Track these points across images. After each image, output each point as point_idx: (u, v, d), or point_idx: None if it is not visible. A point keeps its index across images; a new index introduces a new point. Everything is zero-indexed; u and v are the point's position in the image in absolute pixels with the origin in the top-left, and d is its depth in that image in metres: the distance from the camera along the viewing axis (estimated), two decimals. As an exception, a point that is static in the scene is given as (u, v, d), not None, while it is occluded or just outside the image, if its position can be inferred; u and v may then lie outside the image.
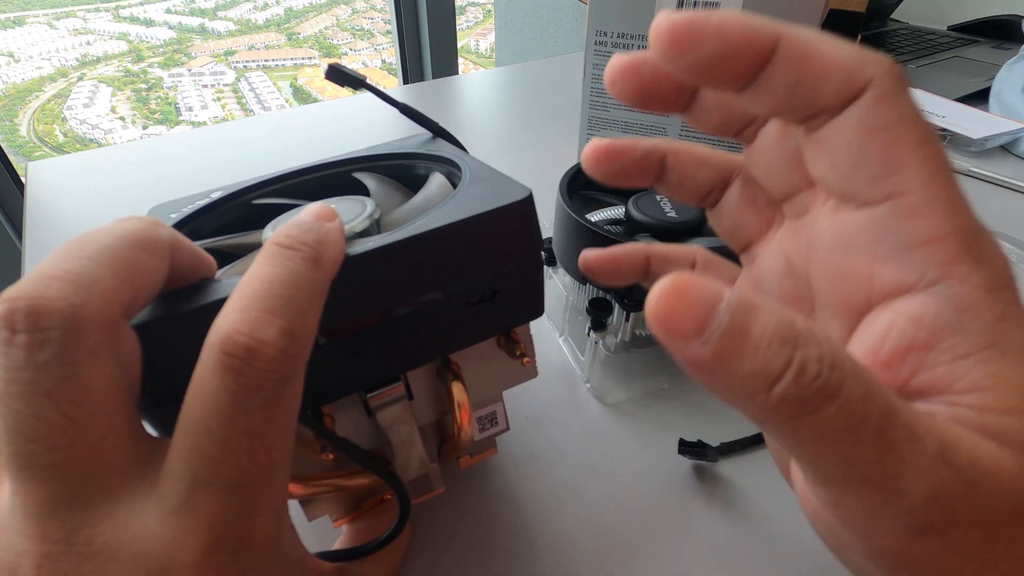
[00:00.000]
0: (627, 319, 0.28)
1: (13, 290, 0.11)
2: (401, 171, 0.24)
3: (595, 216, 0.32)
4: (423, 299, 0.17)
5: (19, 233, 0.89)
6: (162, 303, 0.14)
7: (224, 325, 0.12)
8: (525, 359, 0.20)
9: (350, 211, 0.19)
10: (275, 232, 0.15)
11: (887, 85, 0.12)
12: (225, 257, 0.20)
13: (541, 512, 0.24)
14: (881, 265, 0.13)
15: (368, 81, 0.25)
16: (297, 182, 0.25)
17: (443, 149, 0.24)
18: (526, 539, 0.23)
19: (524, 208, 0.17)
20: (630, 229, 0.29)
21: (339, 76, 0.24)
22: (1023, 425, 0.11)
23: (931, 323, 0.12)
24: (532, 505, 0.24)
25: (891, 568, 0.12)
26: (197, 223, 0.22)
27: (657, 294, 0.11)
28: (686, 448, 0.25)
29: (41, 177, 0.50)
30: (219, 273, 0.18)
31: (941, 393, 0.12)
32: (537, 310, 0.19)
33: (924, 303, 0.12)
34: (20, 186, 0.90)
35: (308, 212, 0.15)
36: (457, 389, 0.19)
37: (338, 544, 0.21)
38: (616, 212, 0.32)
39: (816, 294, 0.15)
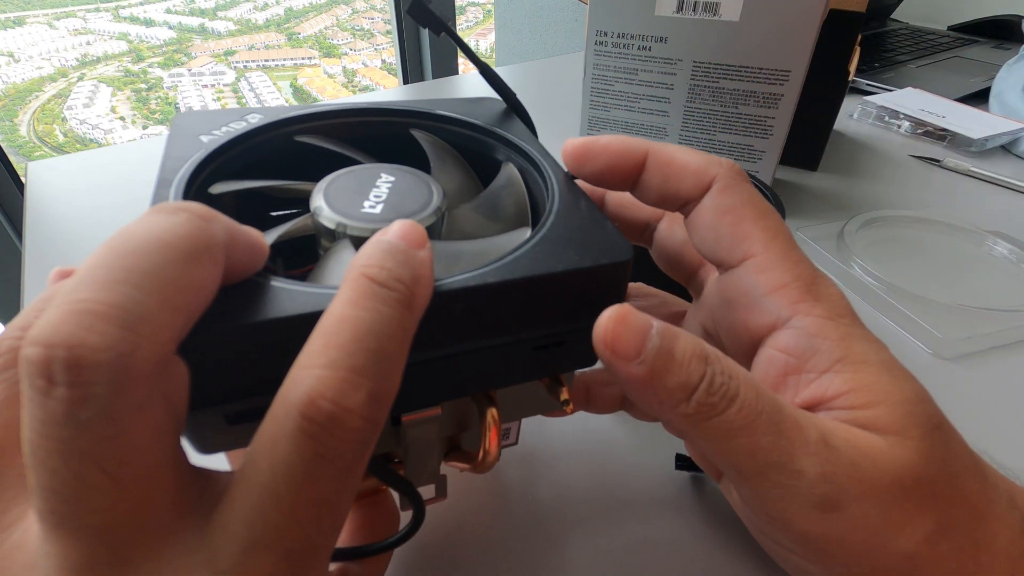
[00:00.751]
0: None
1: (48, 330, 0.09)
2: (466, 143, 0.21)
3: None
4: (492, 341, 0.15)
5: (19, 233, 0.89)
6: (214, 306, 0.12)
7: (308, 383, 0.11)
8: (569, 407, 0.18)
9: (414, 197, 0.17)
10: (364, 257, 0.13)
11: (727, 179, 0.17)
12: (262, 198, 0.18)
13: (540, 512, 0.24)
14: (750, 312, 0.16)
15: (450, 26, 0.22)
16: (345, 123, 0.21)
17: (521, 134, 0.21)
18: (524, 539, 0.23)
19: (623, 269, 0.15)
20: (630, 229, 0.29)
21: (423, 15, 0.21)
22: (882, 414, 0.14)
23: (794, 350, 0.15)
24: (530, 505, 0.24)
25: (814, 553, 0.15)
26: (232, 154, 0.19)
27: (603, 322, 0.14)
28: (683, 463, 0.25)
29: (41, 177, 0.50)
30: (267, 234, 0.16)
31: (819, 404, 0.15)
32: (591, 360, 0.17)
33: (786, 336, 0.15)
34: (20, 186, 0.90)
35: (399, 235, 0.13)
36: (491, 414, 0.18)
37: None
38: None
39: (723, 341, 0.18)
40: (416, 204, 0.17)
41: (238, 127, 0.19)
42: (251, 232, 0.13)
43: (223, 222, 0.12)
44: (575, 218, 0.16)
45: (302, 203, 0.18)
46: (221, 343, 0.12)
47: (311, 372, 0.11)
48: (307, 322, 0.12)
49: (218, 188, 0.18)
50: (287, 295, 0.13)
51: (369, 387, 0.11)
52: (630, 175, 0.18)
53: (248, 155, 0.19)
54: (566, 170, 0.19)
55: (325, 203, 0.16)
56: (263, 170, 0.19)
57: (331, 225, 0.16)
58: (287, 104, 0.23)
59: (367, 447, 0.12)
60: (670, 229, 0.21)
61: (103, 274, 0.10)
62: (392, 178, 0.18)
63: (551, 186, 0.18)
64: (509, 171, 0.20)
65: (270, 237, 0.16)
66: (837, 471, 0.13)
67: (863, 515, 0.13)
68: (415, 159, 0.20)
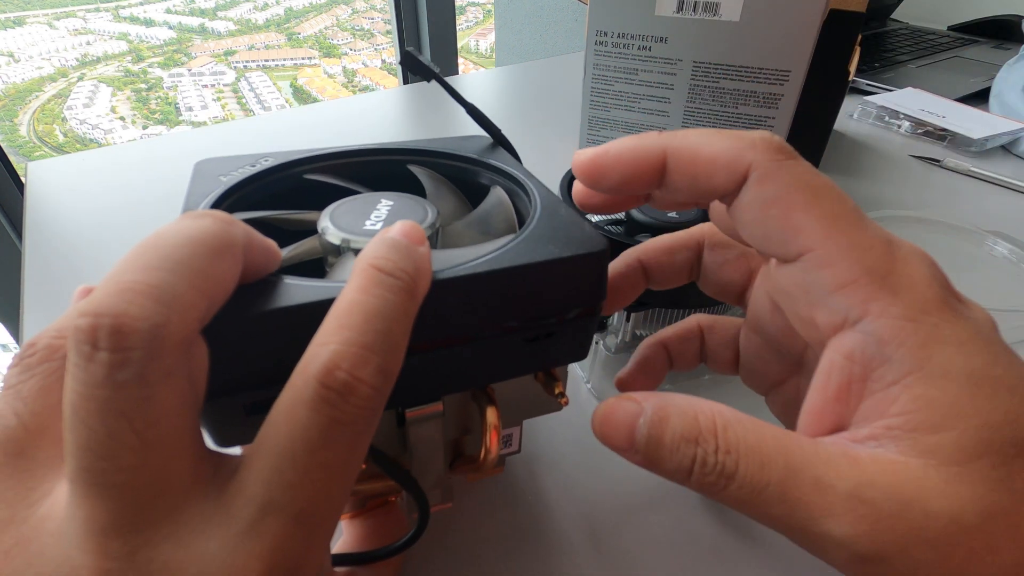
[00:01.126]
0: (627, 319, 0.28)
1: (97, 303, 0.11)
2: (458, 174, 0.24)
3: (595, 216, 0.32)
4: (485, 331, 0.17)
5: (19, 233, 0.89)
6: (233, 300, 0.14)
7: (324, 356, 0.12)
8: (563, 399, 0.19)
9: (411, 215, 0.19)
10: (371, 251, 0.14)
11: (766, 166, 0.14)
12: (273, 229, 0.19)
13: (541, 512, 0.24)
14: (816, 310, 0.14)
15: (439, 73, 0.24)
16: (350, 163, 0.24)
17: (507, 161, 0.23)
18: (527, 539, 0.23)
19: (601, 260, 0.17)
20: (631, 229, 0.29)
21: (414, 64, 0.23)
22: (949, 441, 0.12)
23: (860, 358, 0.13)
24: (533, 505, 0.24)
25: None
26: (247, 190, 0.21)
27: (595, 418, 0.15)
28: None
29: (41, 177, 0.50)
30: (284, 253, 0.18)
31: (881, 417, 0.13)
32: (583, 353, 0.19)
33: (853, 340, 0.13)
34: (20, 186, 0.90)
35: (402, 233, 0.15)
36: (492, 414, 0.19)
37: (340, 544, 0.21)
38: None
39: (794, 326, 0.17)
40: (413, 219, 0.19)
41: (253, 169, 0.22)
42: (266, 238, 0.15)
43: (242, 227, 0.14)
44: (556, 220, 0.18)
45: (311, 235, 0.19)
46: (240, 330, 0.14)
47: (328, 347, 0.12)
48: (317, 310, 0.13)
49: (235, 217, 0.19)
50: (298, 288, 0.14)
51: (378, 362, 0.12)
52: (651, 181, 0.16)
53: (262, 191, 0.22)
54: (573, 178, 0.20)
55: (331, 223, 0.18)
56: (276, 205, 0.21)
57: (336, 241, 0.18)
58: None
59: (375, 416, 0.13)
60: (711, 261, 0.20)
61: (143, 262, 0.12)
62: (391, 202, 0.20)
63: (534, 200, 0.19)
64: (497, 192, 0.22)
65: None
66: (874, 529, 0.12)
67: (913, 561, 0.12)
68: (413, 191, 0.22)
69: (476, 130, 0.25)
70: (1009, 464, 0.12)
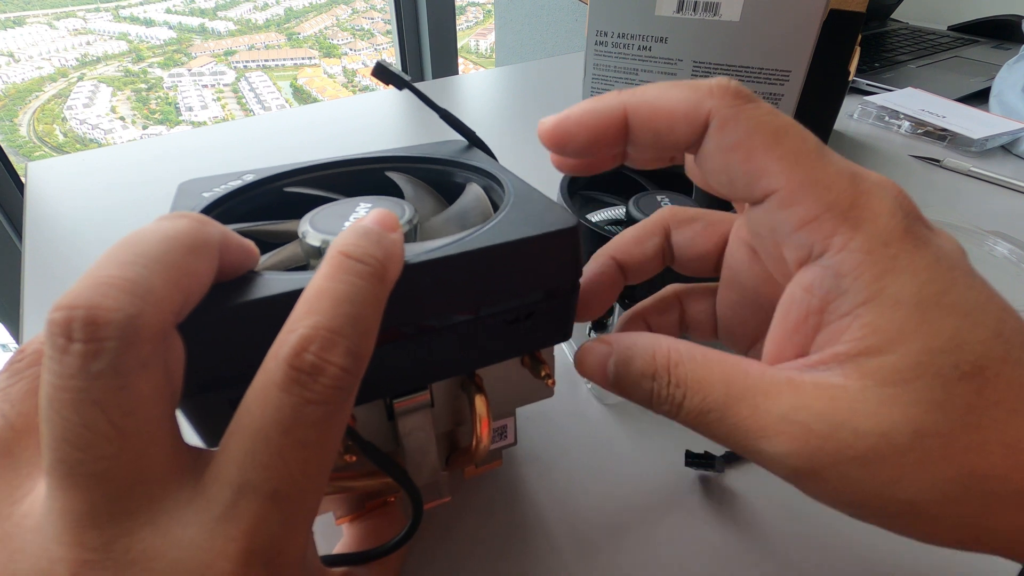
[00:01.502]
0: (627, 319, 0.28)
1: (71, 297, 0.11)
2: (436, 176, 0.24)
3: (595, 216, 0.32)
4: (464, 314, 0.17)
5: (19, 233, 0.89)
6: (211, 295, 0.14)
7: (293, 339, 0.12)
8: (549, 380, 0.20)
9: None
10: (342, 239, 0.14)
11: (724, 112, 0.14)
12: (258, 243, 0.20)
13: (541, 512, 0.24)
14: (783, 248, 0.15)
15: (411, 82, 0.25)
16: (329, 174, 0.24)
17: (481, 160, 0.24)
18: (526, 539, 0.23)
19: (572, 236, 0.17)
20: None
21: (385, 75, 0.24)
22: (889, 363, 0.13)
23: (818, 290, 0.14)
24: (532, 505, 0.24)
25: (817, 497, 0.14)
26: (229, 205, 0.22)
27: (575, 357, 0.18)
28: (693, 460, 0.25)
29: (41, 177, 0.50)
30: (261, 261, 0.18)
31: (831, 345, 0.14)
32: (566, 334, 0.19)
33: (812, 274, 0.14)
34: (20, 186, 0.90)
35: (373, 220, 0.15)
36: (480, 402, 0.19)
37: (340, 545, 0.21)
38: (616, 212, 0.32)
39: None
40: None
41: (234, 184, 0.22)
42: (243, 238, 0.15)
43: (218, 226, 0.14)
44: (528, 205, 0.18)
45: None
46: (217, 323, 0.14)
47: (296, 332, 0.13)
48: (292, 301, 0.14)
49: None
50: (274, 281, 0.15)
51: (346, 344, 0.13)
52: (617, 141, 0.16)
53: (244, 206, 0.22)
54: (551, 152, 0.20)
55: (311, 227, 0.18)
56: (258, 218, 0.22)
57: (317, 243, 0.18)
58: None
59: (347, 397, 0.13)
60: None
61: (118, 259, 0.12)
62: (370, 204, 0.20)
63: (508, 191, 0.20)
64: (474, 188, 0.22)
65: (262, 266, 0.18)
66: (804, 447, 0.13)
67: (845, 477, 0.13)
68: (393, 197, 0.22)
69: (476, 130, 0.25)
70: (949, 387, 0.12)
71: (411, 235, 0.19)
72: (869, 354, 0.13)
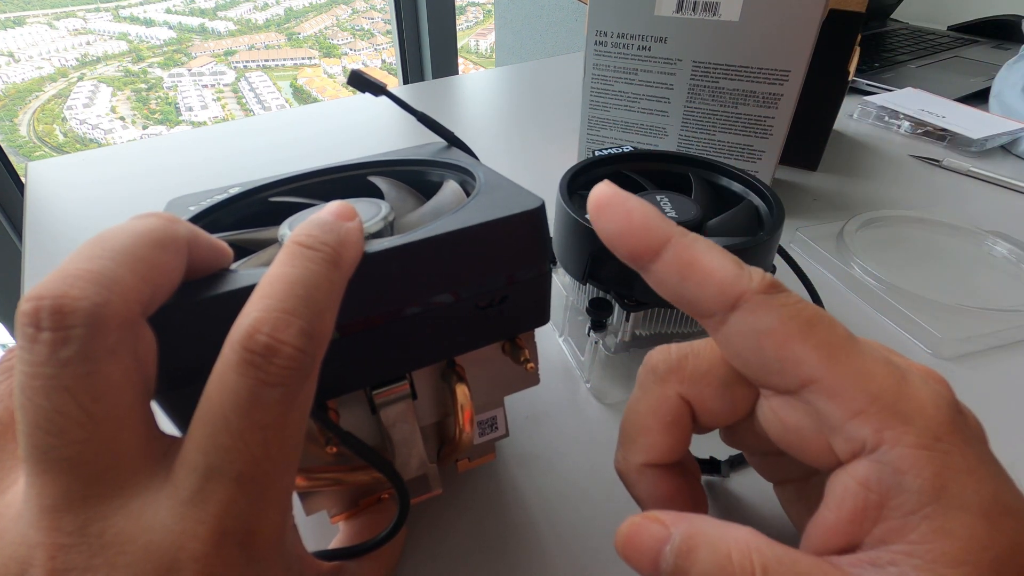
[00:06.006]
0: (627, 319, 0.28)
1: (39, 288, 0.12)
2: (415, 177, 0.25)
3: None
4: (434, 300, 0.17)
5: (19, 233, 0.89)
6: (182, 291, 0.15)
7: (246, 323, 0.13)
8: (529, 364, 0.20)
9: (365, 212, 0.19)
10: (297, 230, 0.15)
11: (758, 298, 0.14)
12: (242, 251, 0.20)
13: (540, 513, 0.24)
14: (831, 438, 0.14)
15: (387, 88, 0.25)
16: (312, 183, 0.25)
17: (457, 158, 0.25)
18: (525, 540, 0.23)
19: (536, 217, 0.18)
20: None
21: (361, 82, 0.25)
22: (961, 574, 0.12)
23: (877, 487, 0.13)
24: (531, 506, 0.24)
25: None
26: (215, 216, 0.23)
27: (618, 536, 0.15)
28: (699, 465, 0.25)
29: (41, 177, 0.50)
30: (236, 264, 0.18)
31: (900, 540, 0.13)
32: (543, 318, 0.20)
33: (868, 469, 0.13)
34: (20, 186, 0.90)
35: (329, 211, 0.16)
36: (461, 391, 0.19)
37: (335, 542, 0.21)
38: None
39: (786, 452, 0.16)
40: (366, 216, 0.19)
41: (220, 197, 0.23)
42: (214, 237, 0.16)
43: (187, 224, 0.15)
44: (496, 192, 0.19)
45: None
46: (188, 317, 0.14)
47: (249, 314, 0.13)
48: None
49: None
50: (243, 276, 0.15)
51: (300, 325, 0.13)
52: (640, 257, 0.16)
53: (229, 217, 0.23)
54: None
55: (289, 230, 0.19)
56: (244, 228, 0.22)
57: (286, 231, 0.18)
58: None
59: (305, 378, 0.13)
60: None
61: (86, 254, 0.13)
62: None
63: (479, 181, 0.21)
64: (451, 184, 0.23)
65: (241, 268, 0.18)
66: None
67: None
68: None
69: (476, 130, 0.26)
70: None
71: (387, 230, 0.19)
72: (947, 563, 0.13)
